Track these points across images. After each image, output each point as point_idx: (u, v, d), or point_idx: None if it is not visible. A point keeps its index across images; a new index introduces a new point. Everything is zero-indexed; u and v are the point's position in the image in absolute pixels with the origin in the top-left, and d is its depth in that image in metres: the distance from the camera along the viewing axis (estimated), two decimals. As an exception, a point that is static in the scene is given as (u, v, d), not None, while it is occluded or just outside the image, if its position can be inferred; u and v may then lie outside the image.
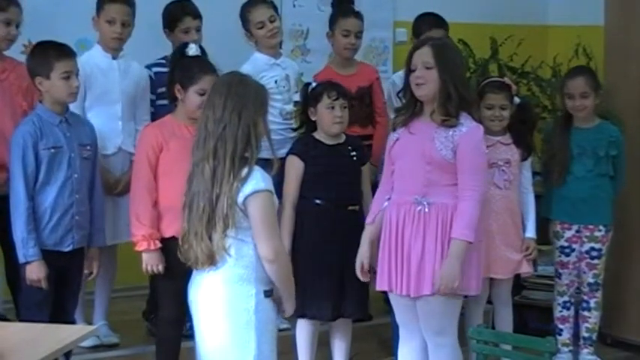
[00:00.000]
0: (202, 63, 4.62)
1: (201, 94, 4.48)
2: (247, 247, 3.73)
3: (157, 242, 4.58)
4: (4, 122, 4.59)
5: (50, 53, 4.43)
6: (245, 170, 3.68)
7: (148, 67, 5.26)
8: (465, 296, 4.52)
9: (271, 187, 3.76)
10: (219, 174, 3.68)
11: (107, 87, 5.01)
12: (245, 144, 3.70)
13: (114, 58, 5.07)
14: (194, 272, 3.82)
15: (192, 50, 4.68)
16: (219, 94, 3.74)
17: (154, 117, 5.01)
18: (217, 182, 3.68)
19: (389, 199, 4.41)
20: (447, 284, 4.24)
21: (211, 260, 3.71)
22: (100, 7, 5.03)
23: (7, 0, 4.74)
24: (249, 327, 3.74)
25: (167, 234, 4.55)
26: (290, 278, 3.91)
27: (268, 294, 3.81)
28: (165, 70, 4.95)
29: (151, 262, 4.57)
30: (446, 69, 4.26)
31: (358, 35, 5.57)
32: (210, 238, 3.70)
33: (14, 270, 4.51)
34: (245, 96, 3.75)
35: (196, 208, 3.72)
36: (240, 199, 3.67)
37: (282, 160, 4.99)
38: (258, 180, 3.70)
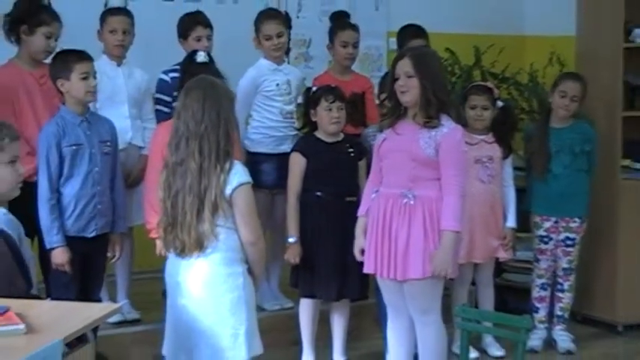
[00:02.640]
0: (210, 69, 4.62)
1: None
2: (234, 232, 3.76)
3: None
4: (45, 120, 4.62)
5: (70, 58, 4.48)
6: (228, 164, 3.71)
7: (165, 72, 5.28)
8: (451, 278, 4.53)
9: (251, 179, 3.80)
10: (205, 168, 3.69)
11: (114, 90, 5.05)
12: (226, 138, 3.73)
13: (118, 65, 5.12)
14: (176, 259, 3.82)
15: (201, 57, 4.69)
16: (196, 99, 3.74)
17: (169, 117, 5.02)
18: (205, 175, 3.70)
19: (376, 191, 4.42)
20: (440, 271, 4.25)
21: (200, 247, 3.73)
22: (102, 21, 5.11)
23: (51, 16, 4.79)
24: (240, 302, 3.78)
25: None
26: (263, 259, 3.97)
27: (249, 271, 3.86)
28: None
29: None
30: (425, 77, 4.26)
31: (355, 45, 5.58)
32: (198, 228, 3.72)
33: (45, 254, 4.54)
34: (219, 97, 3.77)
35: (182, 202, 3.73)
36: (228, 191, 3.70)
37: (286, 155, 5.06)
38: (241, 173, 3.74)
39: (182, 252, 3.77)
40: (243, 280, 3.80)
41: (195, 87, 3.83)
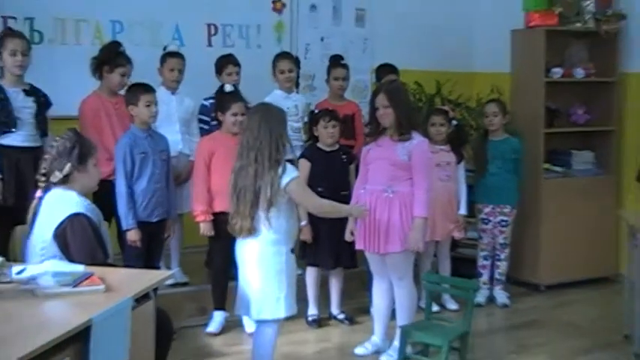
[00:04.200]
0: (233, 96, 4.67)
1: (235, 115, 4.58)
2: (282, 219, 3.74)
3: (210, 215, 4.64)
4: (119, 134, 4.66)
5: (138, 90, 4.51)
6: (281, 167, 3.71)
7: (206, 99, 5.26)
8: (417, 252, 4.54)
9: (298, 174, 3.81)
10: (259, 173, 3.69)
11: (169, 113, 5.03)
12: (276, 150, 3.72)
13: (172, 94, 5.11)
14: (238, 240, 3.82)
15: (228, 88, 4.74)
16: (254, 121, 3.75)
17: (209, 132, 5.03)
18: (259, 178, 3.69)
19: (364, 188, 4.42)
20: (414, 247, 4.27)
21: (253, 231, 3.72)
22: (163, 61, 5.11)
23: (126, 59, 4.83)
24: (281, 274, 3.76)
25: (217, 209, 4.58)
26: (330, 211, 4.01)
27: (293, 251, 3.84)
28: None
29: (206, 229, 4.64)
30: (397, 106, 4.28)
31: (345, 79, 5.54)
32: (252, 217, 3.71)
33: (121, 234, 4.56)
34: (271, 119, 3.76)
35: (243, 197, 3.72)
36: (283, 185, 3.70)
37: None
38: (291, 170, 3.74)
39: (240, 234, 3.76)
40: (285, 258, 3.77)
41: (254, 111, 3.86)
